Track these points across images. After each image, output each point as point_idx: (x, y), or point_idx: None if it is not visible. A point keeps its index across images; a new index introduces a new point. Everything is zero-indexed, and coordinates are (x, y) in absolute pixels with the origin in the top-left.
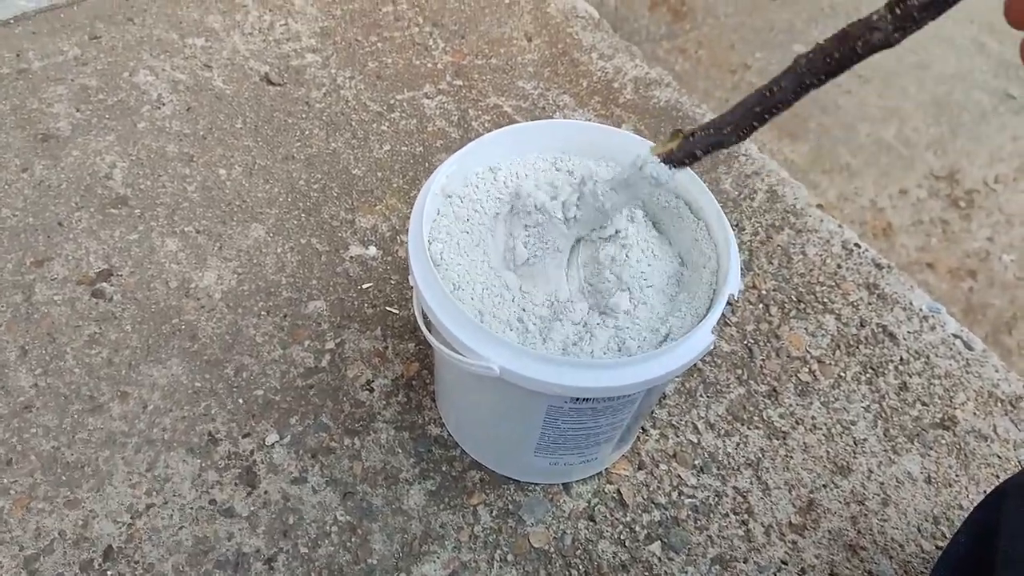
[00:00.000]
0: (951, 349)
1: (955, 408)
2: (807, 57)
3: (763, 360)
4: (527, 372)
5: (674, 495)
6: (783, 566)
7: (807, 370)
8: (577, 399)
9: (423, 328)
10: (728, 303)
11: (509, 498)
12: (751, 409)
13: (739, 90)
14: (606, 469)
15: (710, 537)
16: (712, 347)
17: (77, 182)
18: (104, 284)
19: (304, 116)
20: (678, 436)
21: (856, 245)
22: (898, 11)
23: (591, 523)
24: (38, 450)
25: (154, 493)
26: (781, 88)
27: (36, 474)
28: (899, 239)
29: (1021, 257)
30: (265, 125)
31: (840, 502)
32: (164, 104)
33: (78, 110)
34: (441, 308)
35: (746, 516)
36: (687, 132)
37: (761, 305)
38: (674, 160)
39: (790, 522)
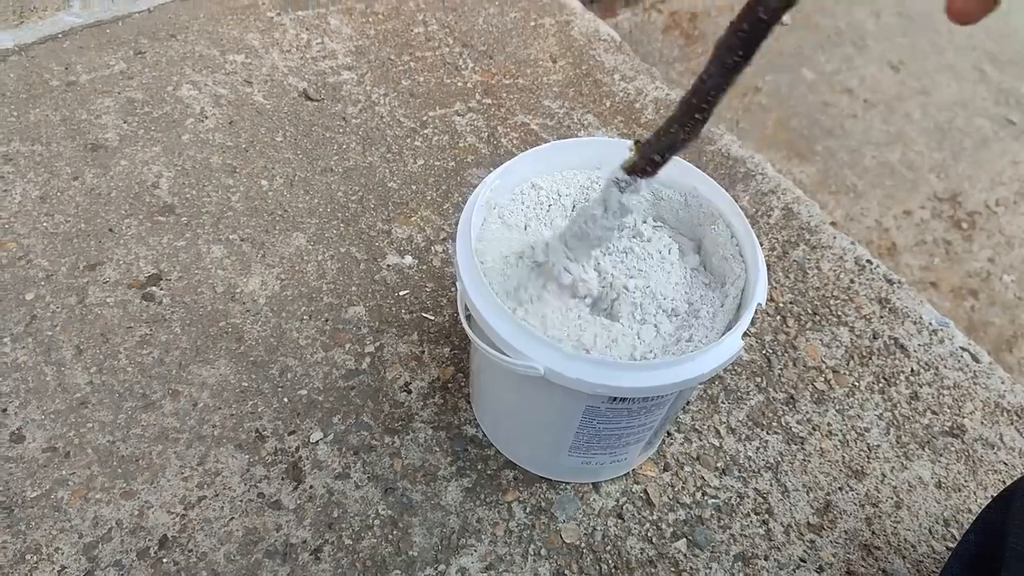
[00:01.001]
0: (959, 361)
1: (963, 417)
2: (722, 39)
3: (781, 369)
4: (571, 372)
5: (698, 495)
6: (802, 563)
7: (823, 379)
8: (615, 399)
9: (467, 329)
10: (755, 312)
11: (542, 496)
12: (770, 415)
13: (749, 111)
14: (633, 470)
15: (732, 535)
16: (741, 353)
17: (126, 190)
18: (154, 288)
19: (341, 131)
20: (701, 440)
21: (868, 261)
22: None
23: (620, 520)
24: (94, 444)
25: (205, 486)
26: (710, 75)
27: (93, 466)
28: (903, 259)
29: (1021, 278)
30: (304, 139)
31: (855, 504)
32: (207, 117)
33: (125, 122)
34: (487, 310)
35: (766, 516)
36: (643, 141)
37: (779, 317)
38: (638, 170)
39: (808, 522)
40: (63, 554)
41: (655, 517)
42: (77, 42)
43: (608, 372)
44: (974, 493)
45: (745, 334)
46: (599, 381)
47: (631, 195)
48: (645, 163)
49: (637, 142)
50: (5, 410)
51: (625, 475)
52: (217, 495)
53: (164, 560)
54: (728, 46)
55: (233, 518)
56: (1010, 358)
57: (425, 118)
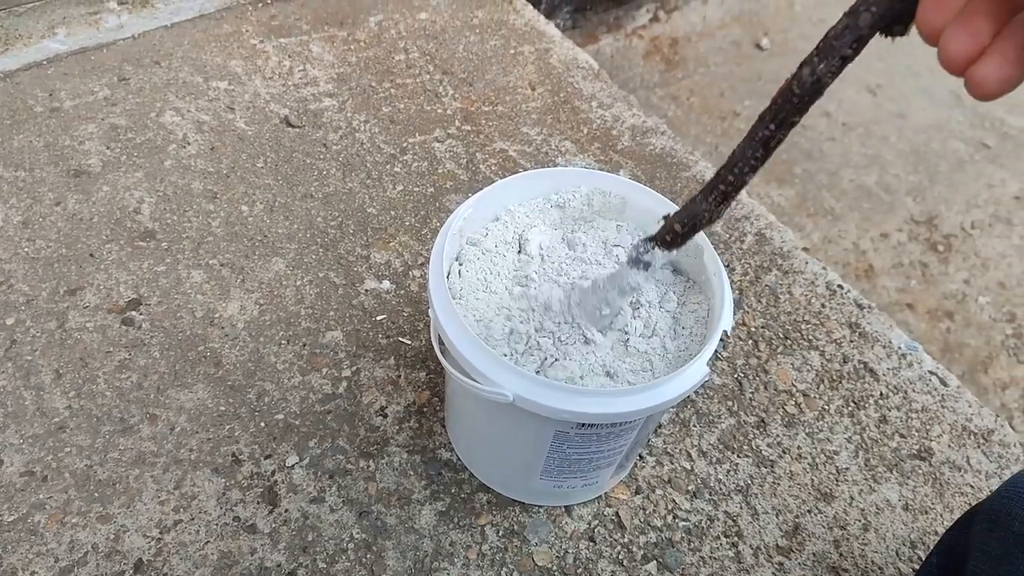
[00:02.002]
0: (927, 385)
1: (931, 440)
2: (758, 118)
3: (752, 393)
4: (539, 399)
5: (669, 518)
6: None
7: (793, 403)
8: (583, 425)
9: (439, 356)
10: (721, 339)
11: (515, 519)
12: (741, 438)
13: (728, 136)
14: (605, 493)
15: (703, 558)
16: (707, 379)
17: (107, 216)
18: (133, 313)
19: (322, 157)
20: (673, 463)
21: (839, 286)
22: (822, 46)
23: (591, 543)
24: (72, 468)
25: (181, 510)
26: (738, 161)
27: (70, 490)
28: (880, 280)
29: (996, 299)
30: (285, 165)
31: (824, 527)
32: (189, 143)
33: (108, 147)
34: (457, 337)
35: (736, 539)
36: (670, 215)
37: (751, 341)
38: (659, 240)
39: (777, 545)
40: None
41: (626, 540)
42: (61, 68)
43: (575, 399)
44: (941, 515)
45: (717, 359)
46: (566, 407)
47: (644, 271)
48: (667, 235)
49: (664, 217)
50: None
51: (597, 498)
52: (193, 519)
53: None
54: (761, 118)
55: (208, 542)
56: (985, 379)
57: (405, 144)
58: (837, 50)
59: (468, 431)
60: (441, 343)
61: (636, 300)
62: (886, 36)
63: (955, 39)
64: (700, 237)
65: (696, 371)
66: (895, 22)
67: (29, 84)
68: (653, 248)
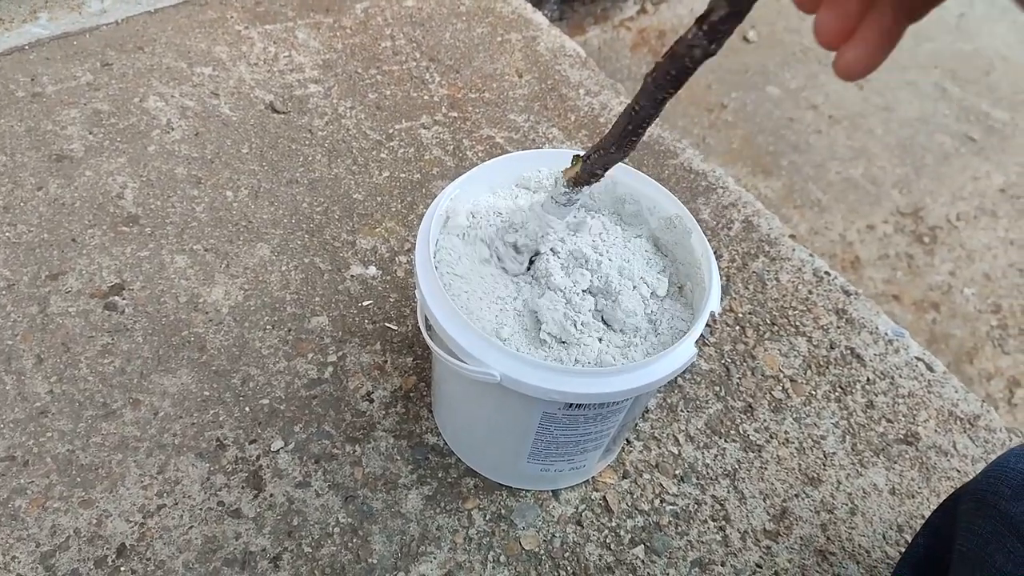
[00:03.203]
0: (914, 370)
1: (918, 425)
2: (652, 76)
3: (739, 378)
4: (526, 379)
5: (656, 502)
6: (758, 569)
7: (780, 388)
8: (571, 406)
9: (426, 336)
10: (708, 323)
11: (502, 503)
12: (728, 423)
13: (715, 127)
14: (593, 478)
15: (690, 541)
16: (695, 359)
17: (90, 201)
18: (116, 298)
19: (307, 143)
20: (660, 448)
21: (826, 273)
22: (705, 27)
23: (579, 527)
24: (54, 453)
25: (165, 495)
26: (641, 106)
27: (52, 475)
28: (866, 272)
29: (981, 291)
30: (270, 151)
31: (811, 511)
32: (173, 129)
33: (91, 133)
34: (445, 317)
35: (723, 523)
36: (583, 156)
37: (738, 327)
38: (580, 181)
39: (764, 528)
40: (20, 563)
41: (614, 524)
42: (44, 53)
43: (563, 379)
44: (927, 499)
45: (704, 344)
46: (554, 387)
47: (567, 203)
48: (587, 175)
49: (577, 156)
50: None
51: (585, 482)
52: (176, 504)
53: (122, 569)
54: (658, 84)
55: (192, 526)
56: (971, 369)
57: (391, 131)
58: (724, 31)
59: (455, 415)
60: (428, 325)
61: (630, 279)
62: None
63: (828, 18)
64: (689, 220)
65: (684, 351)
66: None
67: (11, 69)
68: (573, 188)
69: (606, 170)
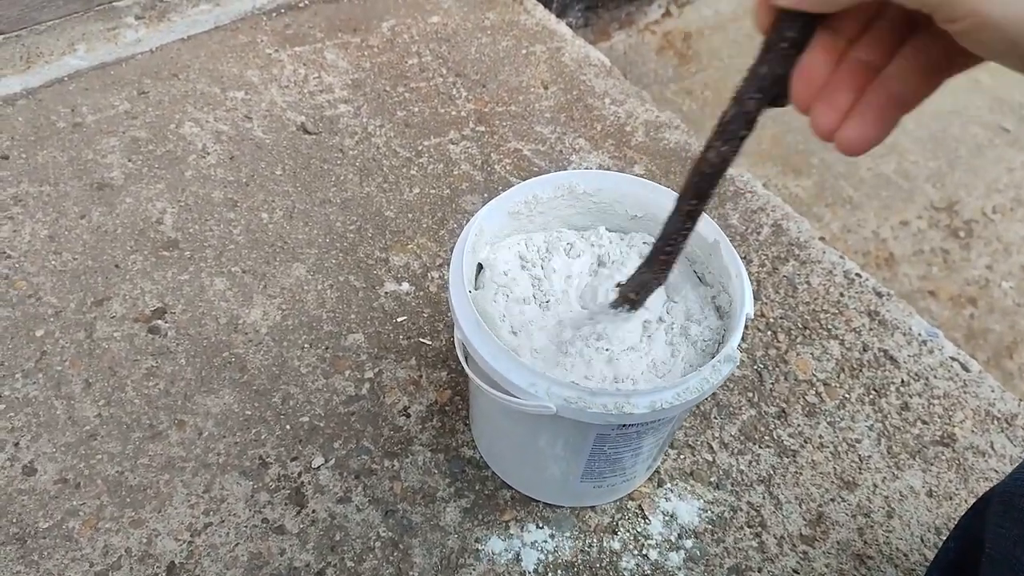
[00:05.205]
0: (949, 371)
1: (954, 426)
2: (679, 195)
3: (772, 383)
4: (586, 406)
5: (692, 510)
6: (795, 575)
7: (814, 392)
8: (625, 425)
9: (469, 372)
10: (745, 323)
11: (538, 514)
12: (762, 429)
13: None
14: None
15: (726, 548)
16: (737, 364)
17: (131, 227)
18: (159, 321)
19: (339, 162)
20: (695, 455)
21: (857, 275)
22: (718, 129)
23: (615, 536)
24: (104, 474)
25: (211, 513)
26: (670, 233)
27: (103, 496)
28: (901, 268)
29: (1019, 284)
30: (303, 171)
31: (847, 515)
32: (209, 153)
33: (130, 160)
34: (493, 356)
35: (760, 529)
36: (622, 284)
37: (769, 332)
38: (619, 303)
39: (801, 534)
40: None
41: (650, 532)
42: (82, 84)
43: (620, 401)
44: (965, 501)
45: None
46: (613, 411)
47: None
48: (624, 301)
49: (619, 285)
50: (17, 444)
51: None
52: (223, 521)
53: None
54: (684, 197)
55: (238, 543)
56: (1010, 364)
57: (420, 147)
58: (735, 133)
59: (502, 446)
60: (467, 356)
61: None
62: (772, 107)
63: (820, 113)
64: (716, 232)
65: (731, 354)
66: (778, 98)
67: (51, 100)
68: (621, 308)
69: (640, 294)
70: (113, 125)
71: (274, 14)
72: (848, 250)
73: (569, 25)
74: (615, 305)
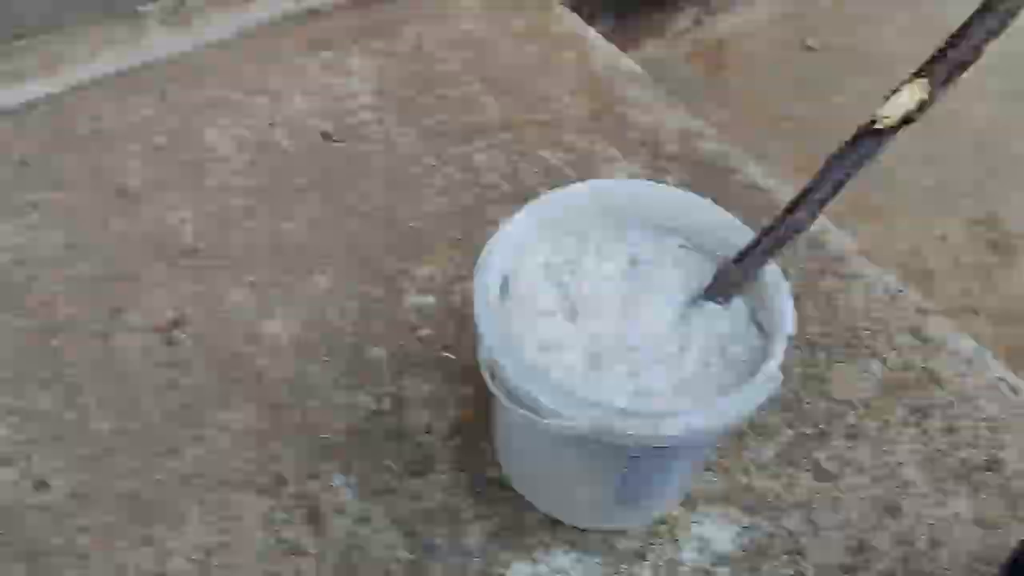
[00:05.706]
0: (996, 392)
1: (1002, 450)
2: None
3: (810, 404)
4: (617, 427)
5: (726, 535)
6: None
7: (854, 413)
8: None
9: (496, 392)
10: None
11: (565, 538)
12: (799, 452)
13: (778, 138)
14: None
15: None
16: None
17: (151, 235)
18: (177, 332)
19: (362, 171)
20: (729, 478)
21: (899, 291)
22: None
23: (643, 561)
24: (118, 490)
25: (227, 532)
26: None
27: (116, 513)
28: (940, 284)
29: None
30: (325, 180)
31: (890, 543)
32: (231, 160)
33: (151, 167)
34: (519, 374)
35: (797, 556)
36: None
37: (807, 349)
38: (712, 295)
39: (841, 563)
40: None
41: (681, 558)
42: (104, 90)
43: (660, 422)
44: (1016, 530)
45: None
46: (649, 432)
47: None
48: (717, 291)
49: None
50: (30, 457)
51: None
52: (238, 541)
53: None
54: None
55: (254, 564)
56: None
57: (446, 156)
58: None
59: (528, 467)
60: (493, 374)
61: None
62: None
63: None
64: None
65: (771, 376)
66: None
67: (72, 106)
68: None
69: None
70: (134, 131)
71: (299, 20)
72: (885, 264)
73: (598, 33)
74: (708, 294)
